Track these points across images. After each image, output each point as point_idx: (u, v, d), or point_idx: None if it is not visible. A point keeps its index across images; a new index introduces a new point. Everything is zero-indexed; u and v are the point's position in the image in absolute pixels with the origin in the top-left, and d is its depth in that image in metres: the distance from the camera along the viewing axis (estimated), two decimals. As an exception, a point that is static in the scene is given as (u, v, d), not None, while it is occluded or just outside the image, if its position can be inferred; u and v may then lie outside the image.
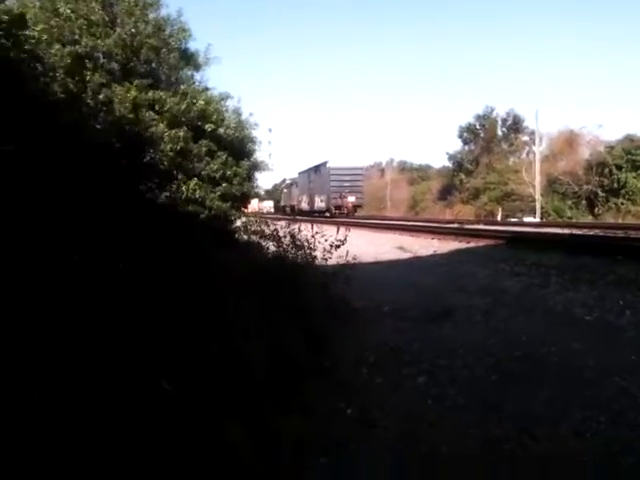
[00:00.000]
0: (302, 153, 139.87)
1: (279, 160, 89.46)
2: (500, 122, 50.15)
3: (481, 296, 7.67)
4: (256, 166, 11.75)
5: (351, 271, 7.28)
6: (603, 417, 3.52)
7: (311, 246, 7.67)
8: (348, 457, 3.25)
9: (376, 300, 7.72)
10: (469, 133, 51.72)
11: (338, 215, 36.19)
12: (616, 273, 8.20)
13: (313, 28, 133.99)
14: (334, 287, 7.22)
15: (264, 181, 71.50)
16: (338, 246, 7.74)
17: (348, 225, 9.97)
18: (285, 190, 57.23)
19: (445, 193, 53.08)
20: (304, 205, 45.25)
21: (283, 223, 8.76)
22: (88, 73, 8.95)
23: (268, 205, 62.23)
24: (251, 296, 5.54)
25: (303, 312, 5.83)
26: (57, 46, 8.65)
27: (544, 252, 10.71)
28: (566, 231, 16.98)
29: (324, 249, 7.60)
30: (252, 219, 10.60)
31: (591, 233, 16.12)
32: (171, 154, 9.36)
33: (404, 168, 73.43)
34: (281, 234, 8.06)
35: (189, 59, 11.38)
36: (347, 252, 7.59)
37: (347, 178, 38.32)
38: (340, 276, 7.28)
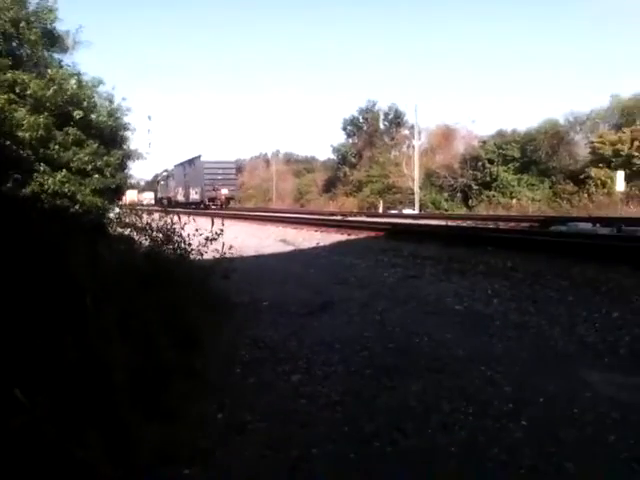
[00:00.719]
0: (187, 143, 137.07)
1: (161, 150, 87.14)
2: (382, 116, 51.58)
3: (360, 288, 7.72)
4: (129, 155, 11.17)
5: (231, 265, 7.08)
6: (470, 408, 3.55)
7: (185, 239, 7.39)
8: (213, 467, 3.05)
9: (256, 295, 7.56)
10: (352, 126, 52.82)
11: (212, 207, 37.68)
12: (486, 263, 8.56)
13: (200, 16, 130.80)
14: (212, 282, 7.01)
15: (144, 172, 69.33)
16: (214, 239, 7.48)
17: (231, 217, 9.42)
18: (162, 182, 57.07)
19: (330, 185, 53.91)
20: (180, 197, 46.51)
21: (158, 215, 8.38)
22: None
23: (149, 196, 60.78)
24: (116, 295, 5.19)
25: (175, 310, 5.53)
26: None
27: (421, 243, 11.03)
28: (442, 222, 17.70)
29: (199, 242, 7.33)
30: (125, 211, 10.13)
31: (465, 224, 16.91)
32: (32, 143, 8.65)
33: (290, 160, 73.82)
34: (154, 227, 7.71)
35: (55, 40, 10.60)
36: (224, 245, 7.34)
37: (220, 172, 40.10)
38: (218, 270, 7.07)
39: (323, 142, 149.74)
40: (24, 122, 8.59)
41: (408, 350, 4.86)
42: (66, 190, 8.99)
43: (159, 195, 57.24)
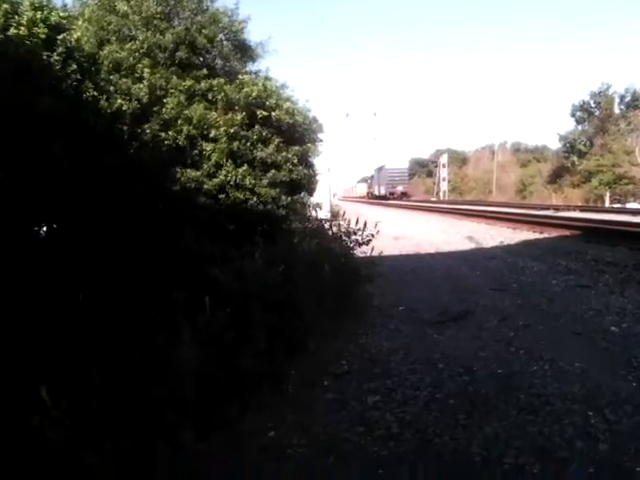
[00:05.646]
0: (413, 136, 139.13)
1: (387, 146, 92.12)
2: (618, 99, 46.08)
3: (514, 297, 6.91)
4: (307, 152, 11.44)
5: (401, 263, 7.03)
6: (536, 467, 2.84)
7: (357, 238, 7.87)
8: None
9: (402, 297, 7.27)
10: (582, 112, 48.10)
11: (391, 199, 53.61)
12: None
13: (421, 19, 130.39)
14: (364, 282, 7.07)
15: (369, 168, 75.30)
16: (366, 243, 7.80)
17: (435, 211, 8.85)
18: (369, 180, 75.32)
19: (555, 176, 49.91)
20: (376, 192, 64.17)
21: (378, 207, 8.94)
22: (145, 70, 9.18)
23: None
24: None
25: (297, 314, 5.43)
26: (107, 48, 8.95)
27: (613, 246, 9.52)
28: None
29: (364, 237, 7.77)
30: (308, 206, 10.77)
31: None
32: (225, 139, 9.43)
33: (518, 149, 69.76)
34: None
35: (246, 51, 11.33)
36: (373, 249, 7.45)
37: (397, 174, 57.57)
38: (372, 272, 7.09)
39: (554, 130, 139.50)
40: (219, 120, 9.40)
41: (515, 379, 4.12)
42: (247, 183, 9.63)
43: (367, 190, 75.22)
